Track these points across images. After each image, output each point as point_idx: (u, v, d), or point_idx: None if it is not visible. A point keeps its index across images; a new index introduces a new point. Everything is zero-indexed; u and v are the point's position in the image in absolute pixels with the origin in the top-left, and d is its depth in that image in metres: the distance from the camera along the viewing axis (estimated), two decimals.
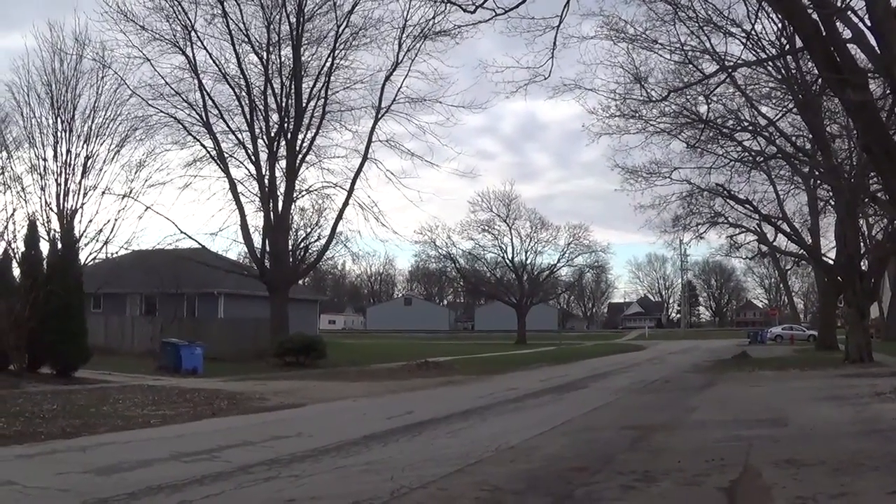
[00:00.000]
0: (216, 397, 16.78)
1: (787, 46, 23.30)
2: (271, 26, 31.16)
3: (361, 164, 32.50)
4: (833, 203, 31.50)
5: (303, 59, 31.98)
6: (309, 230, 35.59)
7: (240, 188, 31.85)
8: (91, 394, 16.57)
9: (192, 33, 30.27)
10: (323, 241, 34.27)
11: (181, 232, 30.81)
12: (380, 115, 32.32)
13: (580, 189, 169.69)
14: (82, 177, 25.06)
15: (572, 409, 15.38)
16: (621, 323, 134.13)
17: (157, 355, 25.56)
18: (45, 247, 21.43)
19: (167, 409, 14.61)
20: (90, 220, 25.42)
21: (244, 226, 31.74)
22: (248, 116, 31.80)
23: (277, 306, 31.76)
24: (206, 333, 28.72)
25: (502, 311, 79.78)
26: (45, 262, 20.75)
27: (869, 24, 11.17)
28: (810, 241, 34.97)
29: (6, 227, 21.11)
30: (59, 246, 21.61)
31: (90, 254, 25.67)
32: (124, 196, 26.31)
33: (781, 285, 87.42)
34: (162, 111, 30.34)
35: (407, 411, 14.72)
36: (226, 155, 31.70)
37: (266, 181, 31.90)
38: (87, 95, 25.24)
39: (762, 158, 30.70)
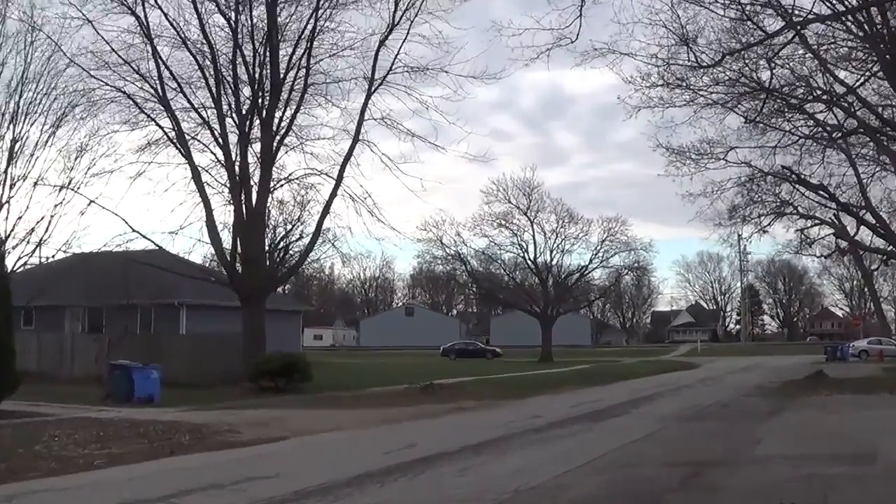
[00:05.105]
0: (177, 431, 16.74)
1: None
2: None
3: (352, 147, 32.41)
4: None
5: (279, 20, 31.89)
6: (289, 227, 35.58)
7: (205, 177, 31.80)
8: (19, 430, 16.50)
9: None
10: (306, 240, 34.25)
11: (133, 230, 30.75)
12: (373, 88, 32.25)
13: (615, 175, 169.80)
14: (8, 164, 25.14)
15: (608, 440, 15.38)
16: (668, 336, 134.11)
17: (103, 381, 25.54)
18: None
19: (116, 446, 14.56)
20: (19, 217, 25.48)
21: (210, 222, 31.70)
22: (214, 90, 31.76)
23: (251, 319, 31.73)
24: (165, 353, 28.68)
25: (523, 323, 79.72)
26: None
27: None
28: None
29: None
30: None
31: (19, 258, 25.70)
32: (62, 188, 26.39)
33: (866, 289, 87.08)
34: (107, 84, 30.31)
35: (409, 444, 14.72)
36: (187, 137, 31.64)
37: (237, 168, 31.86)
38: (14, 64, 25.26)
39: (839, 134, 30.53)
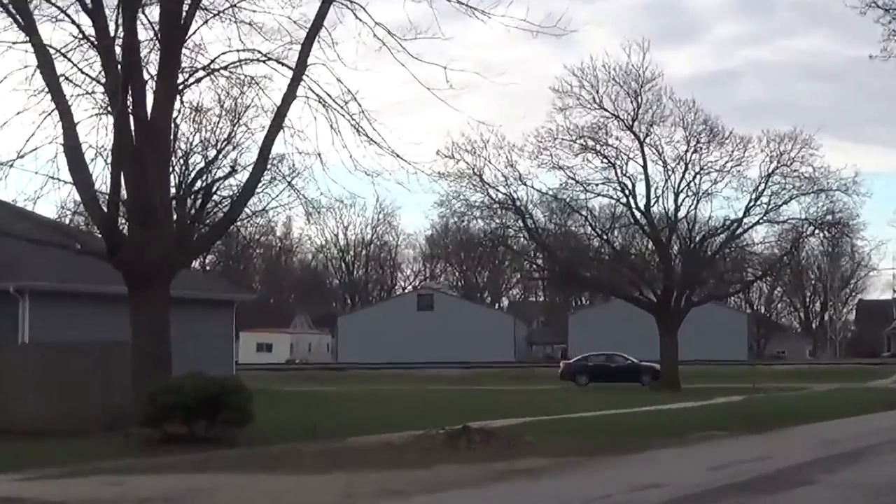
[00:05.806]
0: None
1: None
2: None
3: (323, 11, 32.32)
4: None
5: None
6: (213, 153, 35.59)
7: (61, 66, 31.91)
8: None
9: None
10: (244, 177, 34.38)
11: None
12: None
13: (791, 58, 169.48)
14: None
15: None
16: (888, 344, 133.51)
17: None
18: None
19: None
20: None
21: (72, 146, 31.74)
22: None
23: (147, 316, 31.81)
24: None
25: (626, 320, 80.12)
26: None
27: None
28: None
29: None
30: None
31: None
32: None
33: None
34: None
35: None
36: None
37: (118, 51, 31.88)
38: None
39: None
